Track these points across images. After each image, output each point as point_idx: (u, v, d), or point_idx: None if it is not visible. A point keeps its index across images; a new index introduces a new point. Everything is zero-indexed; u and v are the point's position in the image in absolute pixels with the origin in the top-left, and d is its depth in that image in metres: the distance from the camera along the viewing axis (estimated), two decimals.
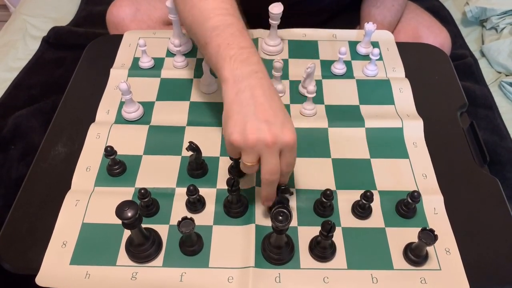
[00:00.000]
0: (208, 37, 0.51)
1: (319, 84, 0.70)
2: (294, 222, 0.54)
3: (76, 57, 0.78)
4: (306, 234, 0.52)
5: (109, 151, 0.55)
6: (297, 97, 0.69)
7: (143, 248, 0.49)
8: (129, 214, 0.44)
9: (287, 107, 0.67)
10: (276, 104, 0.47)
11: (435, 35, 0.82)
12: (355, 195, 0.54)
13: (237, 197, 0.53)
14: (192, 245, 0.51)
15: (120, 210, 0.44)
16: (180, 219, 0.48)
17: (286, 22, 0.72)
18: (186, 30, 0.57)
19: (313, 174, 0.59)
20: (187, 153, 0.57)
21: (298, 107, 0.67)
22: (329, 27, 0.80)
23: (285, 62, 0.74)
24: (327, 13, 0.86)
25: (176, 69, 0.73)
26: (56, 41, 1.13)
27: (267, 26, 0.73)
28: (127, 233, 0.52)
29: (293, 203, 0.55)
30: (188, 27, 0.56)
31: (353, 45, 0.77)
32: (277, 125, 0.46)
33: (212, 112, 0.66)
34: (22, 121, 0.93)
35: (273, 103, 0.47)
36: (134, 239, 0.49)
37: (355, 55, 0.76)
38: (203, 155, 0.57)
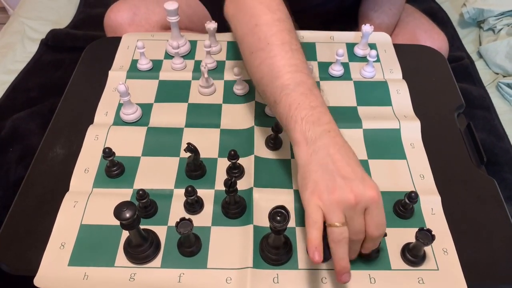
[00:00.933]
0: (278, 96, 0.49)
1: (316, 85, 0.70)
2: (292, 223, 0.54)
3: (74, 59, 0.78)
4: (304, 234, 0.53)
5: (108, 153, 0.55)
6: None
7: (142, 249, 0.50)
8: (127, 215, 0.44)
9: None
10: (352, 161, 0.45)
11: (432, 39, 0.83)
12: None
13: (235, 198, 0.53)
14: (190, 246, 0.51)
15: (118, 211, 0.44)
16: (178, 220, 0.48)
17: None
18: (255, 85, 0.55)
19: None
20: (186, 155, 0.57)
21: None
22: (327, 30, 0.80)
23: None
24: (324, 17, 0.87)
25: (175, 71, 0.73)
26: (54, 44, 1.13)
27: None
28: (125, 234, 0.53)
29: (291, 203, 0.56)
30: (257, 82, 0.54)
31: (350, 47, 0.78)
32: (358, 181, 0.44)
33: (210, 113, 0.67)
34: (20, 123, 0.93)
35: (350, 160, 0.45)
36: (132, 240, 0.49)
37: (352, 57, 0.76)
38: (201, 156, 0.57)
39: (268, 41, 0.52)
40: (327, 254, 0.50)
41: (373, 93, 0.70)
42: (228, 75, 0.72)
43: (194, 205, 0.55)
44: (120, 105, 0.67)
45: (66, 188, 0.57)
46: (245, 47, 0.55)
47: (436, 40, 0.83)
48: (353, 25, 0.88)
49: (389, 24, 0.83)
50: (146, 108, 0.67)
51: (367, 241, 0.46)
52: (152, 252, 0.50)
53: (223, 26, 0.77)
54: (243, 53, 0.56)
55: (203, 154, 0.57)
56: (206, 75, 0.67)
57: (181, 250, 0.51)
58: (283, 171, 0.59)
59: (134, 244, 0.49)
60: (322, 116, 0.48)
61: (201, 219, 0.54)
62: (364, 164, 0.60)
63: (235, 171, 0.58)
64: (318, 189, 0.44)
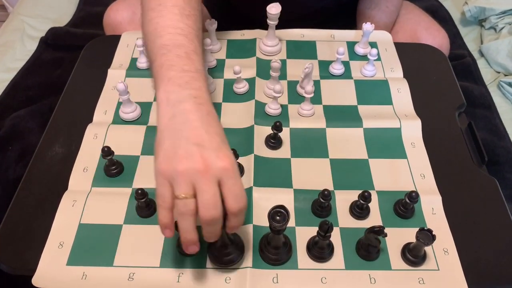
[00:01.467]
0: (154, 55, 0.48)
1: (317, 84, 0.70)
2: (292, 223, 0.54)
3: (74, 57, 0.78)
4: (304, 234, 0.52)
5: (106, 152, 0.55)
6: (295, 97, 0.69)
7: (227, 252, 0.49)
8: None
9: (285, 107, 0.67)
10: (213, 130, 0.42)
11: (433, 37, 0.82)
12: (353, 195, 0.54)
13: None
14: None
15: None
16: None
17: (283, 25, 0.72)
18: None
19: (311, 175, 0.59)
20: None
21: (296, 108, 0.67)
22: (326, 28, 0.80)
23: (283, 62, 0.74)
24: (323, 15, 0.86)
25: None
26: (54, 42, 1.13)
27: (264, 26, 0.73)
28: (124, 233, 0.52)
29: (290, 203, 0.55)
30: (143, 40, 0.55)
31: (351, 45, 0.77)
32: (211, 150, 0.40)
33: None
34: (20, 121, 0.92)
35: (210, 128, 0.42)
36: (218, 241, 0.47)
37: (353, 55, 0.76)
38: None
39: (160, 2, 0.52)
40: (325, 254, 0.50)
41: (374, 92, 0.70)
42: (228, 74, 0.71)
43: None
44: (119, 104, 0.67)
45: (65, 187, 0.57)
46: (142, 5, 0.56)
47: (436, 37, 0.83)
48: (352, 24, 0.87)
49: (387, 22, 0.82)
50: (146, 107, 0.67)
51: (229, 218, 0.42)
52: (237, 256, 0.49)
53: (223, 25, 0.77)
54: (141, 14, 0.57)
55: None
56: (206, 74, 0.66)
57: (180, 250, 0.51)
58: (283, 171, 0.59)
59: (220, 246, 0.49)
60: (191, 81, 0.45)
61: None
62: (365, 163, 0.60)
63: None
64: (166, 158, 0.40)
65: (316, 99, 0.68)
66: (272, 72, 0.65)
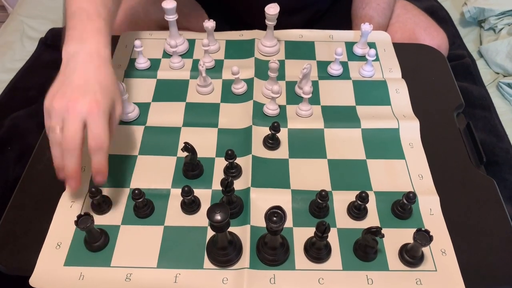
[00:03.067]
0: (66, 19, 0.56)
1: (315, 85, 0.70)
2: (289, 223, 0.54)
3: None
4: (301, 235, 0.52)
5: (95, 192, 0.52)
6: (293, 98, 0.69)
7: (225, 252, 0.49)
8: (219, 218, 0.43)
9: (283, 108, 0.67)
10: (96, 79, 0.50)
11: (432, 37, 0.82)
12: (351, 196, 0.54)
13: (232, 198, 0.53)
14: (96, 241, 0.51)
15: (210, 212, 0.43)
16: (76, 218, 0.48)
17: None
18: None
19: (309, 175, 0.58)
20: (183, 154, 0.56)
21: (294, 108, 0.67)
22: (321, 28, 0.80)
23: (282, 63, 0.74)
24: (315, 11, 0.86)
25: (172, 70, 0.73)
26: (53, 43, 1.12)
27: (263, 27, 0.73)
28: (121, 234, 0.52)
29: (288, 204, 0.55)
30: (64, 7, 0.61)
31: (349, 46, 0.77)
32: (85, 94, 0.48)
33: (208, 113, 0.66)
34: (19, 122, 0.92)
35: (93, 77, 0.50)
36: (218, 242, 0.49)
37: (351, 56, 0.76)
38: (198, 156, 0.57)
39: None
40: (323, 254, 0.50)
41: (372, 92, 0.70)
42: (226, 74, 0.71)
43: (191, 205, 0.54)
44: None
45: (62, 188, 0.57)
46: None
47: (435, 37, 0.82)
48: (347, 26, 0.87)
49: (380, 21, 0.81)
50: (144, 107, 0.67)
51: (91, 157, 0.49)
52: (235, 256, 0.50)
53: (221, 25, 0.77)
54: None
55: (200, 154, 0.57)
56: (204, 74, 0.66)
57: (88, 246, 0.51)
58: (280, 171, 0.59)
59: (220, 247, 0.49)
60: (89, 38, 0.52)
61: (198, 219, 0.54)
62: (363, 164, 0.60)
63: (232, 171, 0.58)
64: (50, 96, 0.49)
65: (314, 99, 0.68)
66: (270, 72, 0.65)
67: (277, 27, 0.71)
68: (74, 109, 0.47)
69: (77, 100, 0.47)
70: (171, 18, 0.70)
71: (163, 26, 0.83)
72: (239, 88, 0.68)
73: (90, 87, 0.49)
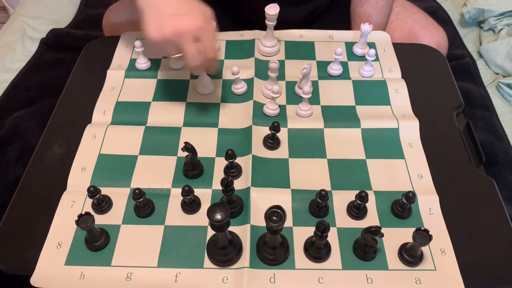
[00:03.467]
0: None
1: (315, 85, 0.70)
2: (289, 223, 0.54)
3: (74, 59, 0.78)
4: (301, 234, 0.52)
5: (93, 191, 0.52)
6: (293, 98, 0.69)
7: (226, 252, 0.49)
8: (219, 217, 0.43)
9: (283, 108, 0.67)
10: (181, 1, 0.55)
11: (431, 35, 0.82)
12: (351, 195, 0.54)
13: (232, 198, 0.53)
14: (96, 240, 0.51)
15: (211, 212, 0.44)
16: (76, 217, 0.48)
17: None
18: None
19: (309, 175, 0.59)
20: (183, 154, 0.57)
21: (294, 108, 0.67)
22: (320, 27, 0.80)
23: (282, 63, 0.74)
24: (313, 7, 0.86)
25: (173, 70, 0.73)
26: (54, 43, 1.13)
27: (262, 27, 0.73)
28: (122, 233, 0.53)
29: (288, 203, 0.55)
30: None
31: (349, 46, 0.77)
32: (186, 16, 0.53)
33: (208, 113, 0.67)
34: (20, 122, 0.93)
35: (179, 1, 0.55)
36: (218, 241, 0.49)
37: (351, 56, 0.76)
38: (199, 155, 0.57)
39: None
40: (323, 254, 0.50)
41: (372, 92, 0.70)
42: (227, 75, 0.72)
43: (191, 204, 0.54)
44: (117, 104, 0.67)
45: (63, 187, 0.57)
46: None
47: (435, 35, 0.82)
48: (346, 26, 0.88)
49: (378, 18, 0.81)
50: (144, 107, 0.67)
51: (207, 61, 0.57)
52: (235, 255, 0.50)
53: (222, 25, 0.77)
54: None
55: (200, 153, 0.57)
56: (204, 74, 0.67)
57: (88, 245, 0.51)
58: (280, 171, 0.59)
59: (220, 246, 0.49)
60: None
61: (198, 219, 0.54)
62: (362, 164, 0.60)
63: (232, 171, 0.58)
64: (154, 28, 0.54)
65: (314, 99, 0.68)
66: (270, 72, 0.65)
67: (277, 20, 0.71)
68: (186, 31, 0.53)
69: (183, 23, 0.53)
70: None
71: None
72: (239, 88, 0.69)
73: (182, 9, 0.54)
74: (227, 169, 0.58)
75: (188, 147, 0.55)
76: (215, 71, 0.62)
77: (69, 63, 1.06)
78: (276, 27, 0.72)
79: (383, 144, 0.63)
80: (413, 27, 0.83)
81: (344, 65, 0.74)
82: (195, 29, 0.54)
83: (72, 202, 0.56)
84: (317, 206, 0.54)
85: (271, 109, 0.65)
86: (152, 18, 0.54)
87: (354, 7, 0.83)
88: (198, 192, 0.55)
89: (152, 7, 0.55)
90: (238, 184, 0.57)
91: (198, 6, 0.56)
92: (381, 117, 0.66)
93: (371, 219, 0.54)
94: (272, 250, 0.50)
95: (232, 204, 0.54)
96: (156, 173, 0.59)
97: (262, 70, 0.72)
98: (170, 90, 0.70)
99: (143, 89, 0.70)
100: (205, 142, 0.62)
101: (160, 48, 0.57)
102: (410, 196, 0.52)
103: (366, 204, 0.54)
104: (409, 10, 0.86)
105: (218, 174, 0.59)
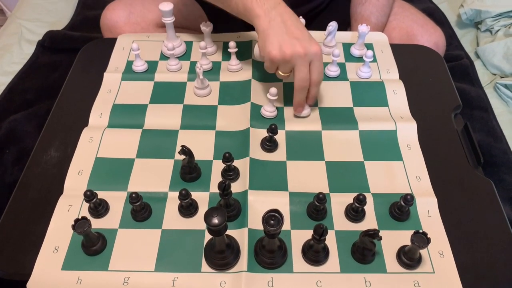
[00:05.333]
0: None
1: None
2: (287, 226, 0.53)
3: (71, 61, 0.78)
4: (299, 237, 0.52)
5: (89, 195, 0.52)
6: (291, 100, 0.68)
7: (223, 256, 0.49)
8: (216, 221, 0.43)
9: (281, 110, 0.67)
10: (300, 25, 0.60)
11: (429, 34, 0.82)
12: (349, 198, 0.54)
13: (229, 201, 0.53)
14: (93, 245, 0.50)
15: (208, 216, 0.43)
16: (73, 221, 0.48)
17: None
18: None
19: (307, 177, 0.58)
20: (180, 157, 0.56)
21: (292, 110, 0.66)
22: (319, 25, 0.80)
23: None
24: (312, 6, 0.86)
25: (170, 72, 0.73)
26: (51, 45, 1.13)
27: None
28: (119, 237, 0.52)
29: (286, 206, 0.55)
30: None
31: (347, 47, 0.77)
32: (306, 40, 0.58)
33: (206, 115, 0.66)
34: (17, 125, 0.92)
35: (299, 25, 0.60)
36: (216, 245, 0.49)
37: (349, 57, 0.76)
38: (196, 158, 0.57)
39: None
40: (321, 257, 0.50)
41: (370, 93, 0.70)
42: (224, 76, 0.71)
43: (188, 208, 0.54)
44: (114, 107, 0.67)
45: (60, 191, 0.57)
46: None
47: (432, 34, 0.82)
48: (346, 25, 0.88)
49: (379, 16, 0.81)
50: (141, 110, 0.67)
51: (311, 86, 0.62)
52: (233, 259, 0.50)
53: (219, 27, 0.77)
54: None
55: (198, 156, 0.57)
56: (201, 76, 0.66)
57: (85, 250, 0.51)
58: (278, 173, 0.59)
59: (217, 250, 0.49)
60: None
61: (195, 223, 0.54)
62: (360, 166, 0.60)
63: (230, 174, 0.58)
64: (275, 47, 0.58)
65: None
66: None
67: None
68: (305, 55, 0.58)
69: (304, 47, 0.57)
70: (168, 20, 0.70)
71: (162, 24, 0.83)
72: (234, 65, 0.69)
73: (305, 35, 0.59)
74: (224, 172, 0.58)
75: (185, 151, 0.54)
76: (314, 99, 0.64)
77: (66, 65, 1.06)
78: None
79: (381, 146, 0.62)
80: (411, 26, 0.83)
81: (342, 66, 0.74)
82: (312, 54, 0.58)
83: (69, 206, 0.55)
84: (315, 209, 0.54)
85: (268, 111, 0.65)
86: (276, 39, 0.58)
87: (354, 5, 0.83)
88: (195, 195, 0.55)
89: (279, 26, 0.58)
90: (236, 187, 0.57)
91: (311, 35, 0.60)
92: (379, 119, 0.65)
93: (369, 221, 0.54)
94: (270, 254, 0.49)
95: (229, 208, 0.53)
96: (153, 176, 0.58)
97: (259, 72, 0.72)
98: (167, 93, 0.70)
99: (140, 92, 0.70)
100: (202, 145, 0.62)
101: (272, 67, 0.61)
102: (409, 199, 0.52)
103: (364, 207, 0.53)
104: (407, 10, 0.86)
105: (216, 177, 0.58)
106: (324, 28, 0.75)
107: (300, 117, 0.65)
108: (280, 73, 0.61)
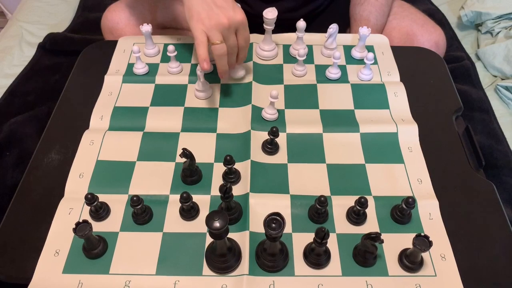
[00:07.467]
0: None
1: (313, 88, 0.70)
2: (288, 229, 0.53)
3: (72, 63, 0.78)
4: (300, 241, 0.52)
5: (90, 199, 0.52)
6: (292, 102, 0.68)
7: (225, 259, 0.49)
8: (218, 225, 0.43)
9: (282, 112, 0.67)
10: None
11: (429, 33, 0.82)
12: (350, 200, 0.54)
13: (231, 204, 0.53)
14: (94, 248, 0.50)
15: (209, 219, 0.43)
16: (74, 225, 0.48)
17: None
18: None
19: (308, 180, 0.58)
20: (181, 160, 0.56)
21: (293, 112, 0.66)
22: (319, 26, 0.80)
23: (280, 67, 0.74)
24: (312, 8, 0.86)
25: (171, 75, 0.73)
26: (52, 47, 1.13)
27: (260, 31, 0.73)
28: (120, 241, 0.52)
29: (287, 209, 0.55)
30: None
31: (347, 49, 0.77)
32: (230, 9, 0.60)
33: (207, 118, 0.66)
34: (18, 127, 0.92)
35: None
36: (217, 249, 0.49)
37: (350, 59, 0.76)
38: (197, 161, 0.56)
39: None
40: (322, 260, 0.49)
41: (371, 96, 0.70)
42: (225, 79, 0.71)
43: (189, 211, 0.54)
44: (115, 109, 0.67)
45: (61, 194, 0.57)
46: None
47: (433, 33, 0.82)
48: (346, 26, 0.88)
49: (378, 16, 0.81)
50: (142, 112, 0.67)
51: (239, 51, 0.64)
52: (234, 262, 0.49)
53: None
54: None
55: (199, 159, 0.57)
56: (202, 79, 0.66)
57: (86, 253, 0.50)
58: (279, 176, 0.59)
59: (219, 253, 0.49)
60: None
61: (197, 226, 0.54)
62: (362, 169, 0.60)
63: (231, 176, 0.58)
64: (201, 17, 0.59)
65: (313, 103, 0.68)
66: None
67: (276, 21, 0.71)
68: (231, 24, 0.59)
69: (231, 17, 0.59)
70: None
71: (163, 25, 0.83)
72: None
73: (229, 3, 0.60)
74: (225, 175, 0.58)
75: (186, 153, 0.54)
76: (244, 58, 0.67)
77: (67, 67, 1.05)
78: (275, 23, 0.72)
79: (382, 148, 0.62)
80: (411, 26, 0.83)
81: (343, 68, 0.74)
82: (237, 23, 0.60)
83: (70, 209, 0.55)
84: (317, 212, 0.53)
85: (269, 114, 0.65)
86: (199, 8, 0.59)
87: (353, 6, 0.83)
88: (196, 198, 0.55)
89: (199, 1, 0.59)
90: (237, 190, 0.57)
91: (237, 4, 0.62)
92: (380, 122, 0.65)
93: (371, 224, 0.54)
94: (272, 257, 0.49)
95: (231, 211, 0.53)
96: (154, 179, 0.58)
97: (260, 74, 0.72)
98: (168, 95, 0.69)
99: (141, 94, 0.70)
100: (203, 147, 0.62)
101: (201, 33, 0.60)
102: (410, 202, 0.51)
103: (366, 210, 0.53)
104: (407, 10, 0.86)
105: (217, 180, 0.58)
106: (324, 30, 0.75)
107: (298, 76, 0.68)
108: (212, 42, 0.61)
